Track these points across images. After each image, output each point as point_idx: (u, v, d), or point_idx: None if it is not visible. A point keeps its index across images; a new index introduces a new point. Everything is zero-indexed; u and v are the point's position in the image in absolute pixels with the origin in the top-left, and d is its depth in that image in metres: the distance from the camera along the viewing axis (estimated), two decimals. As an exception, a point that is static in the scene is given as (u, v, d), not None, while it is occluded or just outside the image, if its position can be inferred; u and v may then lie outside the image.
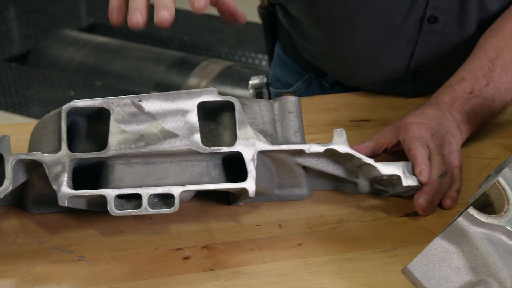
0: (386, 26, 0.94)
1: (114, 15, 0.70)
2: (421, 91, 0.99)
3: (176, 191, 0.71)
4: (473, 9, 0.93)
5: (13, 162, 0.70)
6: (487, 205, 0.66)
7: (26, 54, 2.94)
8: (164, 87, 2.64)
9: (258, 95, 1.15)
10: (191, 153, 0.73)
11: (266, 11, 1.13)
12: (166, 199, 0.73)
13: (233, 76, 2.67)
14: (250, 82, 1.15)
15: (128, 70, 2.75)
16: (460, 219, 0.62)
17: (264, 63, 2.93)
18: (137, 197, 0.72)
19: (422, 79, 1.00)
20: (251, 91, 1.15)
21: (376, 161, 0.76)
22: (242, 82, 2.62)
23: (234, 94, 0.77)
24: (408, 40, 0.96)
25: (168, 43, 3.04)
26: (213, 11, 0.85)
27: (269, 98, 1.16)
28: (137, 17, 0.67)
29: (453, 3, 0.93)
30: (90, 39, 2.95)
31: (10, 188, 0.70)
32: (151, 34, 3.13)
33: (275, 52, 1.16)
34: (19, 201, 0.76)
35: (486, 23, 0.94)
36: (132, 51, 2.85)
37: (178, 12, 0.74)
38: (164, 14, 0.66)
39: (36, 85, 2.72)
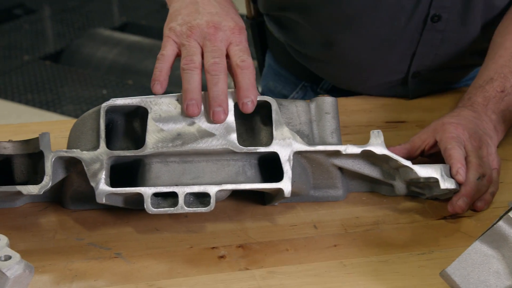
0: (390, 28, 0.93)
1: (156, 88, 0.74)
2: (422, 91, 0.99)
3: (212, 190, 0.71)
4: (478, 6, 0.92)
5: (53, 159, 0.71)
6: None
7: (60, 52, 2.98)
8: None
9: None
10: (228, 153, 0.73)
11: (255, 21, 1.11)
12: (202, 198, 0.73)
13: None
14: None
15: (159, 69, 2.76)
16: (501, 223, 0.61)
17: None
18: (173, 195, 0.72)
19: (423, 78, 0.98)
20: None
21: (413, 163, 0.75)
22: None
23: (259, 94, 0.78)
24: (411, 40, 0.95)
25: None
26: (243, 10, 0.85)
27: None
28: (193, 109, 0.71)
29: (456, 1, 0.92)
30: (122, 38, 2.99)
31: (50, 184, 0.71)
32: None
33: (266, 62, 1.14)
34: (57, 197, 0.77)
35: (490, 20, 0.93)
36: (164, 50, 2.87)
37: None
38: (220, 114, 0.72)
39: (70, 83, 2.76)
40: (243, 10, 1.19)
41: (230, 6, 0.79)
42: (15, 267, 0.58)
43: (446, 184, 0.74)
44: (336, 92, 1.04)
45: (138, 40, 2.97)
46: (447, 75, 0.94)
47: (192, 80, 0.72)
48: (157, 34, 3.12)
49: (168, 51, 0.75)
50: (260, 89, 1.15)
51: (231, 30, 0.75)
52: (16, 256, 0.59)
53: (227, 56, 0.74)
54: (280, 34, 1.05)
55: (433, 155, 0.81)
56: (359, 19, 0.93)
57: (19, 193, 0.71)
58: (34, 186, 0.70)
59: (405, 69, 0.98)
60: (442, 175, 0.74)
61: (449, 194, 0.77)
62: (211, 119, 0.72)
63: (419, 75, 0.98)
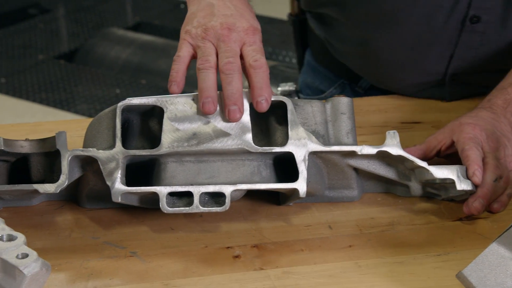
0: (427, 26, 0.93)
1: (172, 88, 0.74)
2: (459, 94, 0.98)
3: (227, 190, 0.71)
4: None
5: (69, 158, 0.71)
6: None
7: (74, 52, 3.00)
8: (207, 86, 2.65)
9: None
10: (243, 153, 0.73)
11: (297, 18, 1.13)
12: (217, 197, 0.73)
13: (276, 76, 2.67)
14: (279, 89, 1.15)
15: (173, 69, 2.77)
16: (518, 225, 0.61)
17: (287, 59, 2.91)
18: (188, 195, 0.72)
19: (461, 82, 0.98)
20: None
21: (429, 164, 0.75)
22: (286, 82, 2.61)
23: (275, 94, 0.78)
24: (448, 41, 0.94)
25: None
26: (257, 10, 0.85)
27: None
28: (209, 107, 0.72)
29: (496, 3, 0.91)
30: (136, 37, 3.00)
31: (66, 183, 0.71)
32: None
33: (305, 59, 1.15)
34: (73, 196, 0.78)
35: None
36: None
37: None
38: (235, 113, 0.72)
39: (84, 82, 2.77)
40: (287, 7, 1.20)
41: (245, 7, 0.80)
42: (32, 265, 0.59)
43: (463, 185, 0.74)
44: (374, 90, 1.04)
45: (151, 40, 2.98)
46: (485, 79, 0.93)
47: (208, 79, 0.72)
48: (170, 34, 3.13)
49: (184, 52, 0.76)
50: (297, 85, 1.16)
51: (245, 31, 0.75)
52: (33, 254, 0.60)
53: (241, 57, 0.74)
54: (320, 31, 1.06)
55: (450, 156, 0.80)
56: (396, 17, 0.93)
57: (36, 191, 0.71)
58: (51, 184, 0.71)
59: (442, 71, 0.97)
60: (458, 176, 0.74)
61: (465, 196, 0.76)
62: (226, 119, 0.72)
63: (457, 78, 0.97)
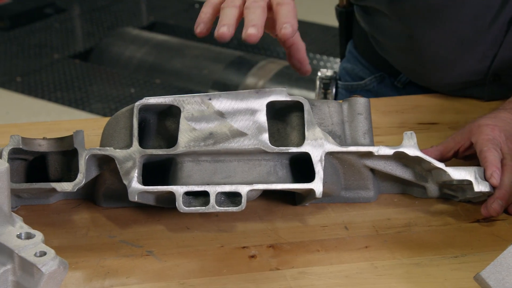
0: (473, 25, 0.92)
1: (200, 27, 0.73)
2: (498, 95, 0.97)
3: (243, 189, 0.71)
4: None
5: (87, 157, 0.72)
6: None
7: (89, 51, 3.01)
8: (222, 86, 2.66)
9: (325, 86, 1.14)
10: (259, 152, 0.73)
11: (344, 10, 1.13)
12: (233, 197, 0.73)
13: (290, 76, 2.67)
14: (319, 74, 1.16)
15: (187, 68, 2.78)
16: (537, 227, 0.60)
17: (322, 63, 2.91)
18: (204, 194, 0.72)
19: (502, 83, 0.97)
20: (318, 82, 1.15)
21: (446, 165, 0.74)
22: (299, 82, 2.61)
23: (291, 94, 0.78)
24: (493, 41, 0.93)
25: (227, 42, 3.06)
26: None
27: (336, 92, 1.16)
28: (223, 30, 0.70)
29: None
30: (150, 37, 3.01)
31: (83, 182, 0.71)
32: (210, 33, 3.16)
33: (347, 49, 1.16)
34: (90, 195, 0.78)
35: None
36: (191, 49, 2.88)
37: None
38: (252, 30, 0.69)
39: (98, 81, 2.78)
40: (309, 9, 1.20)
41: None
42: (50, 263, 0.59)
43: (480, 187, 0.73)
44: (413, 86, 1.04)
45: (166, 40, 2.99)
46: None
47: (230, 13, 0.71)
48: (185, 34, 3.13)
49: None
50: (337, 71, 1.16)
51: None
52: (51, 252, 0.60)
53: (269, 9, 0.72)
54: (365, 24, 1.06)
55: (468, 158, 0.80)
56: (442, 14, 0.93)
57: (53, 190, 0.71)
58: (68, 183, 0.71)
59: (484, 71, 0.96)
60: (476, 178, 0.73)
61: (482, 197, 0.76)
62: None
63: (498, 78, 0.97)
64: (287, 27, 0.70)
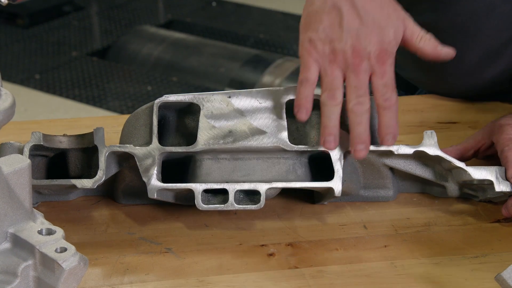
0: (498, 39, 0.90)
1: (305, 115, 0.72)
2: None
3: (262, 187, 0.71)
4: None
5: (106, 154, 0.72)
6: None
7: (107, 49, 3.03)
8: (238, 84, 2.66)
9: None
10: (278, 151, 0.73)
11: None
12: (251, 195, 0.73)
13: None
14: None
15: (204, 67, 2.79)
16: (560, 228, 0.60)
17: None
18: (223, 192, 0.73)
19: None
20: None
21: (467, 165, 0.74)
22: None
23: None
24: None
25: (244, 41, 3.07)
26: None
27: None
28: (329, 141, 0.71)
29: None
30: (167, 35, 3.01)
31: (103, 178, 0.72)
32: (227, 31, 3.17)
33: None
34: (109, 192, 0.79)
35: None
36: (208, 47, 2.89)
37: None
38: (361, 149, 0.71)
39: (115, 79, 2.80)
40: None
41: (378, 9, 0.73)
42: (70, 259, 0.59)
43: (501, 186, 0.73)
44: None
45: (183, 37, 3.00)
46: None
47: (333, 117, 0.71)
48: (202, 32, 3.14)
49: (312, 75, 0.72)
50: None
51: (376, 58, 0.71)
52: (71, 248, 0.60)
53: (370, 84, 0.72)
54: None
55: (488, 157, 0.79)
56: (467, 30, 0.91)
57: (73, 186, 0.72)
58: (88, 180, 0.72)
59: (508, 80, 0.94)
60: (497, 178, 0.73)
61: (503, 197, 0.75)
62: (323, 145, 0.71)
63: None
64: (389, 138, 0.71)
